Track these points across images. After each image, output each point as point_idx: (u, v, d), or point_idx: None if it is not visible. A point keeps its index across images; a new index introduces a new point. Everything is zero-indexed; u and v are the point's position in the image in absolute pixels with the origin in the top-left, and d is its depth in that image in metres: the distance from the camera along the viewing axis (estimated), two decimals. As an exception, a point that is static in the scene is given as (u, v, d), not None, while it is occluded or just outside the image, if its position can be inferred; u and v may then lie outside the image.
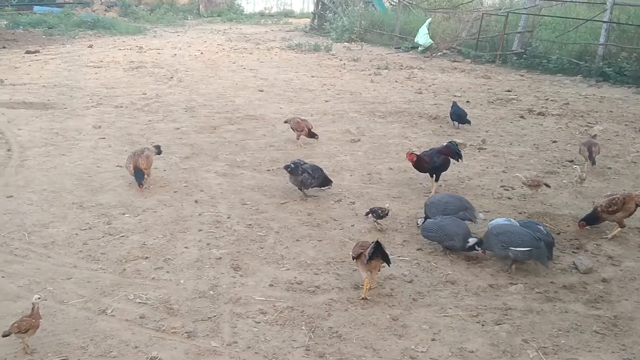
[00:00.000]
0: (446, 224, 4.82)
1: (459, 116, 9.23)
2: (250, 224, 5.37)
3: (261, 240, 5.03)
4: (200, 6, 32.92)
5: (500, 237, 4.52)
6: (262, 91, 11.77)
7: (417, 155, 6.36)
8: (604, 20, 14.71)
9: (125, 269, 4.50)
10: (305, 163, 5.98)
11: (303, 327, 3.75)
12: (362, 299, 4.10)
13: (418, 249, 4.97)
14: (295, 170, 5.86)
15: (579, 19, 16.59)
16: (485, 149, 8.15)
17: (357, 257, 4.14)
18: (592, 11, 16.97)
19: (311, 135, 7.94)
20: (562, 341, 3.69)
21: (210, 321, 3.82)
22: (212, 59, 16.13)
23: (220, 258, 4.70)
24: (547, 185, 6.27)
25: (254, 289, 4.23)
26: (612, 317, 4.02)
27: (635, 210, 5.28)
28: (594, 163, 7.01)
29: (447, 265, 4.70)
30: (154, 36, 21.62)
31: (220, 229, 5.27)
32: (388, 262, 4.13)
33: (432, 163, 6.35)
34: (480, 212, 5.67)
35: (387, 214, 5.33)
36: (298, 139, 7.96)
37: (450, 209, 5.11)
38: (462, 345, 3.61)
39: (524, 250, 4.44)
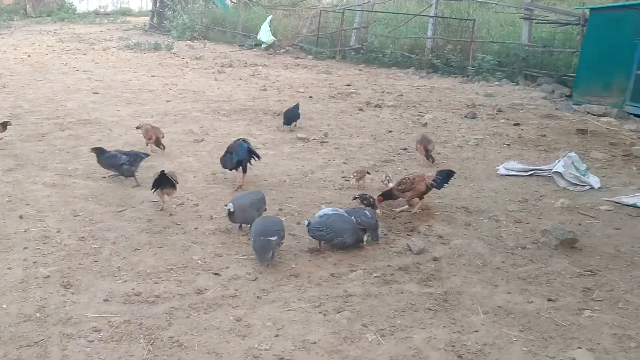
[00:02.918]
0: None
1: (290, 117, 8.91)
2: (83, 237, 5.02)
3: (95, 253, 4.72)
4: (28, 6, 30.45)
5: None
6: (97, 94, 11.11)
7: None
8: (431, 15, 15.80)
9: None
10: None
11: (141, 341, 3.56)
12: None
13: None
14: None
15: (409, 14, 17.68)
16: (327, 142, 8.37)
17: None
18: (421, 6, 18.15)
19: (157, 144, 7.57)
20: (398, 321, 3.87)
21: (37, 346, 3.50)
22: (41, 62, 14.97)
23: (48, 276, 4.33)
24: (368, 173, 6.56)
25: (86, 306, 3.94)
26: (443, 293, 4.29)
27: (426, 191, 5.73)
28: (433, 161, 7.30)
29: (291, 260, 4.74)
30: (-28, 38, 19.61)
31: (48, 244, 4.86)
32: (174, 186, 5.42)
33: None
34: (323, 203, 5.81)
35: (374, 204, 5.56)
36: (148, 145, 7.55)
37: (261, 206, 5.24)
38: (305, 337, 3.65)
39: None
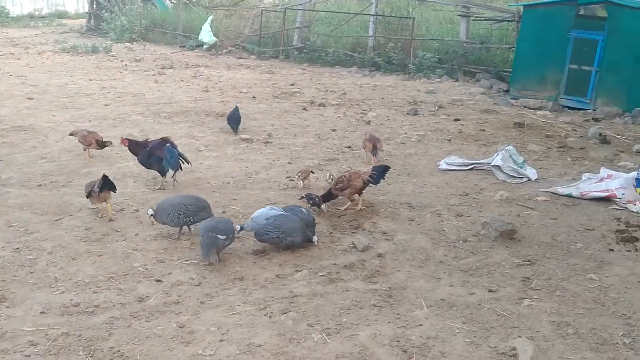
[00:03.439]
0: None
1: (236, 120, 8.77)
2: (18, 248, 4.82)
3: (31, 264, 4.54)
4: (-45, 10, 29.06)
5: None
6: (31, 99, 10.70)
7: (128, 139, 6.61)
8: (371, 13, 15.95)
9: None
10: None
11: (80, 353, 3.45)
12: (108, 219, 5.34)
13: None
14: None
15: (350, 13, 17.80)
16: (271, 142, 8.33)
17: (88, 195, 5.34)
18: (362, 5, 18.30)
19: (102, 145, 7.29)
20: (344, 319, 3.89)
21: (-31, 365, 3.35)
22: (-30, 67, 14.30)
23: (-19, 291, 4.15)
24: (312, 172, 6.57)
25: (22, 319, 3.79)
26: (387, 289, 4.34)
27: (363, 187, 5.81)
28: (376, 159, 7.32)
29: (236, 263, 4.69)
30: None
31: (-20, 257, 4.66)
32: (114, 189, 5.40)
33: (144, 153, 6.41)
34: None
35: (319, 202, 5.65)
36: (85, 150, 7.29)
37: (191, 211, 5.02)
38: (250, 340, 3.62)
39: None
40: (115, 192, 5.52)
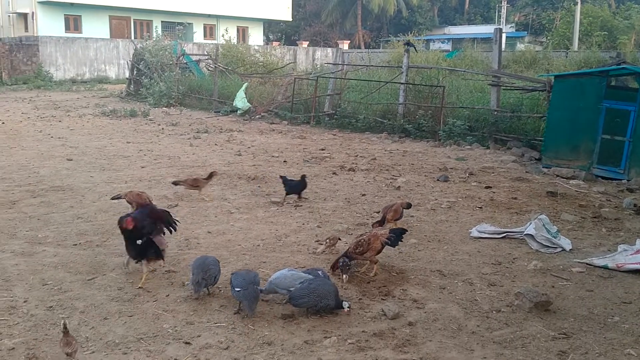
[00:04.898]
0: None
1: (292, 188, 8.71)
2: (51, 306, 4.89)
3: (63, 323, 4.58)
4: (3, 74, 30.72)
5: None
6: (71, 160, 11.07)
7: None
8: (401, 82, 16.26)
9: None
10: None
11: (107, 415, 3.43)
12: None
13: (235, 313, 4.88)
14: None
15: (380, 81, 18.18)
16: (301, 206, 8.39)
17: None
18: (392, 74, 18.69)
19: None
20: (374, 389, 3.80)
21: None
22: (15, 129, 14.94)
23: (13, 349, 4.19)
24: (340, 239, 6.57)
25: (52, 379, 3.81)
26: (419, 359, 4.24)
27: (382, 248, 5.79)
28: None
29: (264, 327, 4.66)
30: (-55, 106, 19.56)
31: (14, 315, 4.72)
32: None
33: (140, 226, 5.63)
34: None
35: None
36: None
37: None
38: (278, 408, 3.55)
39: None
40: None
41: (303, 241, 6.85)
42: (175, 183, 8.70)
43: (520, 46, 45.12)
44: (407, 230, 6.27)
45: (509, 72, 18.30)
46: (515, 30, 55.98)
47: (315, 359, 4.18)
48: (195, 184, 8.50)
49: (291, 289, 4.87)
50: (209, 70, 24.78)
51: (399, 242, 6.00)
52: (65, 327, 4.02)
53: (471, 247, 6.80)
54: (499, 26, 25.22)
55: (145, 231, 5.58)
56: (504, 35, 14.54)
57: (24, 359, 4.07)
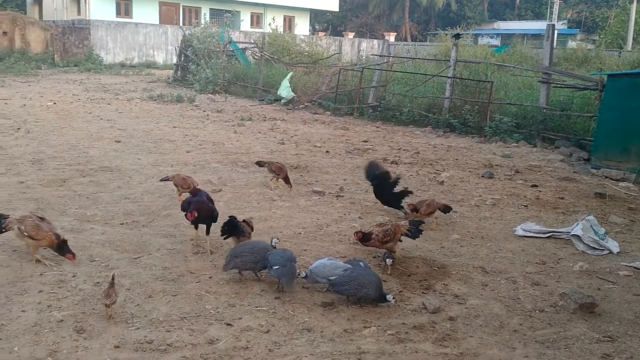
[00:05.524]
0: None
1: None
2: (99, 282, 5.03)
3: (110, 298, 4.71)
4: (56, 56, 31.53)
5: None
6: (119, 142, 11.33)
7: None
8: (448, 75, 16.05)
9: (-53, 340, 3.99)
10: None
11: (151, 389, 3.52)
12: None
13: (276, 298, 4.93)
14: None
15: (427, 74, 17.98)
16: (342, 196, 8.39)
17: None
18: (439, 67, 18.46)
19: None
20: (413, 381, 3.78)
21: (46, 391, 3.47)
22: (66, 110, 15.35)
23: (62, 320, 4.33)
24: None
25: (98, 352, 3.92)
26: (459, 354, 4.20)
27: (399, 239, 5.90)
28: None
29: (304, 313, 4.69)
30: (2, 86, 20.27)
31: (63, 289, 4.88)
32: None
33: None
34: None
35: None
36: (180, 195, 7.50)
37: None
38: (316, 393, 3.58)
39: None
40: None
41: (344, 231, 6.86)
42: (259, 164, 8.71)
43: (571, 44, 43.91)
44: (424, 222, 6.26)
45: (560, 69, 17.84)
46: (567, 28, 54.55)
47: (354, 347, 4.19)
48: (279, 170, 8.43)
49: (331, 278, 4.89)
50: (254, 58, 24.94)
51: (419, 235, 6.00)
52: (112, 279, 4.43)
53: (515, 245, 6.68)
54: (551, 22, 24.60)
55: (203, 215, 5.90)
56: (555, 32, 14.11)
57: (72, 331, 4.20)
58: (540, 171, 10.71)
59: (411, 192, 7.88)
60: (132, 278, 5.14)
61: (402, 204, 7.61)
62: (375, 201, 8.11)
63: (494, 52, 28.42)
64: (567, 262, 6.25)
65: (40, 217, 5.54)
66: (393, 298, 4.85)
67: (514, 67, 17.79)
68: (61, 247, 5.33)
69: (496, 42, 48.73)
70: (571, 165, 11.50)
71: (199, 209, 5.85)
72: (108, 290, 4.37)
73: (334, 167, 10.24)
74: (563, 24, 55.02)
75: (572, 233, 6.80)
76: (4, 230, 5.49)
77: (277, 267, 4.92)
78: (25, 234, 5.31)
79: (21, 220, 5.40)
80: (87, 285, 4.97)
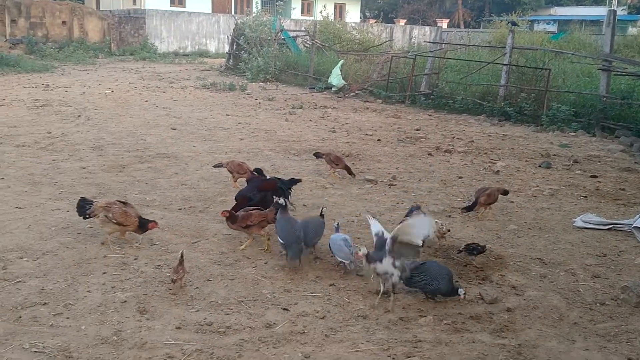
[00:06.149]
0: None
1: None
2: (159, 265, 5.19)
3: (170, 281, 4.85)
4: (112, 45, 32.35)
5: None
6: (174, 129, 11.59)
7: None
8: (504, 63, 15.68)
9: (21, 316, 4.20)
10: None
11: (212, 370, 3.62)
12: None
13: (331, 285, 4.97)
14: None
15: (482, 61, 17.62)
16: (395, 185, 8.36)
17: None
18: (494, 54, 18.07)
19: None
20: (470, 371, 3.76)
21: (113, 368, 3.62)
22: (123, 97, 15.78)
23: (125, 301, 4.49)
24: (448, 230, 6.41)
25: (161, 332, 4.05)
26: (517, 345, 4.15)
27: None
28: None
29: (359, 300, 4.72)
30: (62, 74, 20.98)
31: (126, 271, 5.06)
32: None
33: (248, 201, 6.12)
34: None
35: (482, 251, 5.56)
36: (236, 181, 7.68)
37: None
38: (373, 379, 3.60)
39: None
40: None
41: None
42: (317, 155, 8.72)
43: (632, 30, 42.17)
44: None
45: (622, 57, 17.18)
46: (628, 13, 52.35)
47: (410, 335, 4.19)
48: (337, 161, 8.45)
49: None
50: (305, 46, 24.98)
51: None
52: (181, 257, 4.67)
53: (574, 236, 6.52)
54: (611, 8, 23.66)
55: (252, 203, 6.02)
56: (616, 18, 13.53)
57: (135, 312, 4.35)
58: (599, 161, 10.39)
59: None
60: (191, 262, 5.27)
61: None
62: (429, 190, 8.04)
63: (551, 39, 27.56)
64: (628, 254, 6.06)
65: (123, 202, 5.63)
66: (464, 292, 4.74)
67: (572, 53, 17.22)
68: (143, 225, 5.48)
69: (553, 28, 47.22)
70: (632, 155, 11.10)
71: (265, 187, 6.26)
72: (177, 267, 4.62)
73: (386, 156, 10.19)
74: (623, 9, 52.83)
75: (634, 225, 6.58)
76: (88, 216, 5.62)
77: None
78: (113, 221, 5.39)
79: (107, 208, 5.43)
80: (148, 267, 5.13)
